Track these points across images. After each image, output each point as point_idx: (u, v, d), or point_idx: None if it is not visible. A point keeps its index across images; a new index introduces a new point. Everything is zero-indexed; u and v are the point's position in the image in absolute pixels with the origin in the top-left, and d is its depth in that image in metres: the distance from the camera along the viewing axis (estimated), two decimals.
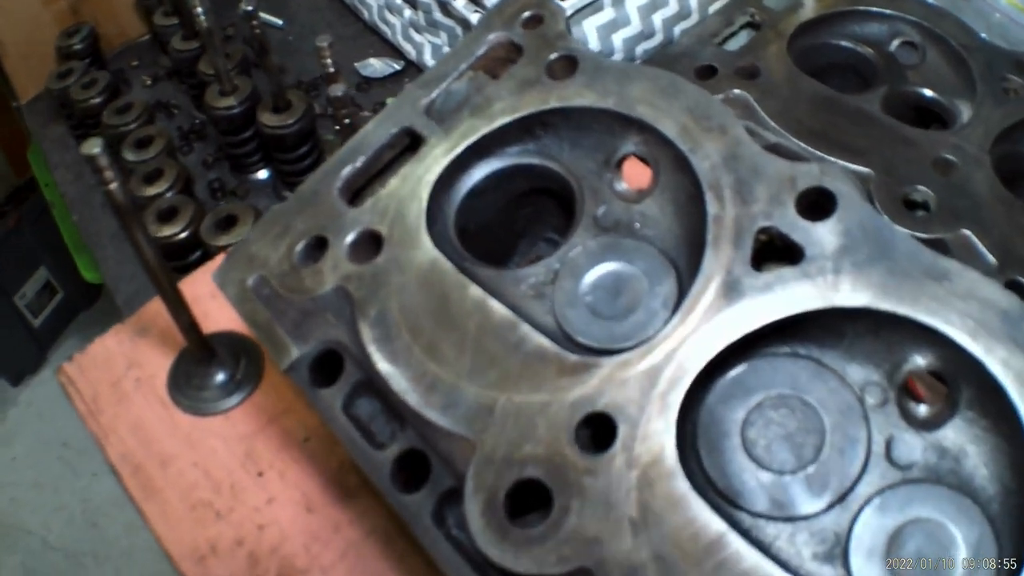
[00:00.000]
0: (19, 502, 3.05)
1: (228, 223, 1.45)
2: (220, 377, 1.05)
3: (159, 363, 1.09)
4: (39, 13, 1.96)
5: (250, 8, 1.39)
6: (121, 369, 1.08)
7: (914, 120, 1.30)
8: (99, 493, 2.97)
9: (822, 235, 0.66)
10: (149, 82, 2.01)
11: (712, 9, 1.57)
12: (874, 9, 1.41)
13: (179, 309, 0.98)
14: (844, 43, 1.42)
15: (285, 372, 0.75)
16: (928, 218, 1.14)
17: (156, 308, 1.07)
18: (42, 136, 1.97)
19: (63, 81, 1.84)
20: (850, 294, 0.64)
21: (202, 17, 1.44)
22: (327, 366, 0.75)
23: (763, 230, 0.67)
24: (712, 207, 0.69)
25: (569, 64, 0.81)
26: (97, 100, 1.78)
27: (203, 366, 1.05)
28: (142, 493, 0.98)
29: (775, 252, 0.68)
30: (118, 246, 1.65)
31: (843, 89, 1.31)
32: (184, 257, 1.46)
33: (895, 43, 1.41)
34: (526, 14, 0.86)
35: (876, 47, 1.41)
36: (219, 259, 1.19)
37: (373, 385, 0.73)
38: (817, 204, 0.68)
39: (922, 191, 1.16)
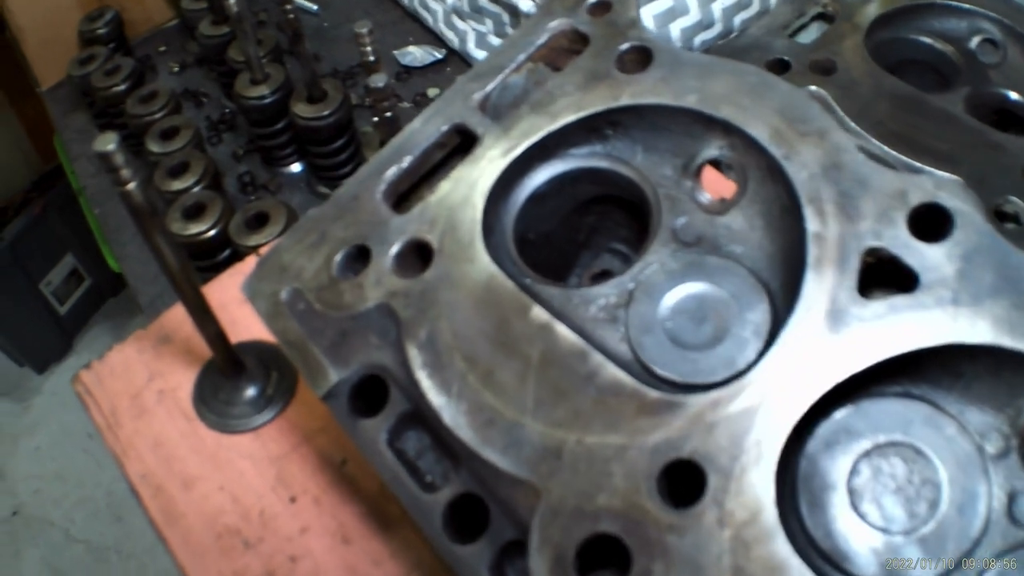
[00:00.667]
0: (42, 493, 3.02)
1: (259, 221, 1.38)
2: (250, 391, 0.98)
3: (183, 374, 1.01)
4: None
5: None
6: (142, 380, 1.01)
7: (995, 123, 1.21)
8: (124, 486, 2.90)
9: (938, 259, 0.58)
10: (176, 69, 1.95)
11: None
12: (954, 3, 1.32)
13: (204, 319, 0.90)
14: (922, 39, 1.35)
15: (322, 399, 0.67)
16: (1020, 232, 1.05)
17: (180, 313, 1.00)
18: (63, 125, 1.91)
19: (85, 67, 1.77)
20: (971, 329, 0.56)
21: (232, 1, 1.37)
22: (369, 393, 0.67)
23: (871, 251, 0.59)
24: (812, 224, 0.61)
25: (642, 56, 0.73)
26: (120, 88, 1.71)
27: (231, 379, 0.98)
28: (163, 517, 0.91)
29: (880, 277, 0.60)
30: (140, 244, 1.57)
31: (920, 88, 1.23)
32: (212, 257, 1.40)
33: (975, 40, 1.32)
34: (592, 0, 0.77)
35: (956, 44, 1.32)
36: (249, 261, 1.12)
37: (422, 417, 0.65)
38: (930, 223, 0.60)
39: (1014, 202, 1.07)
